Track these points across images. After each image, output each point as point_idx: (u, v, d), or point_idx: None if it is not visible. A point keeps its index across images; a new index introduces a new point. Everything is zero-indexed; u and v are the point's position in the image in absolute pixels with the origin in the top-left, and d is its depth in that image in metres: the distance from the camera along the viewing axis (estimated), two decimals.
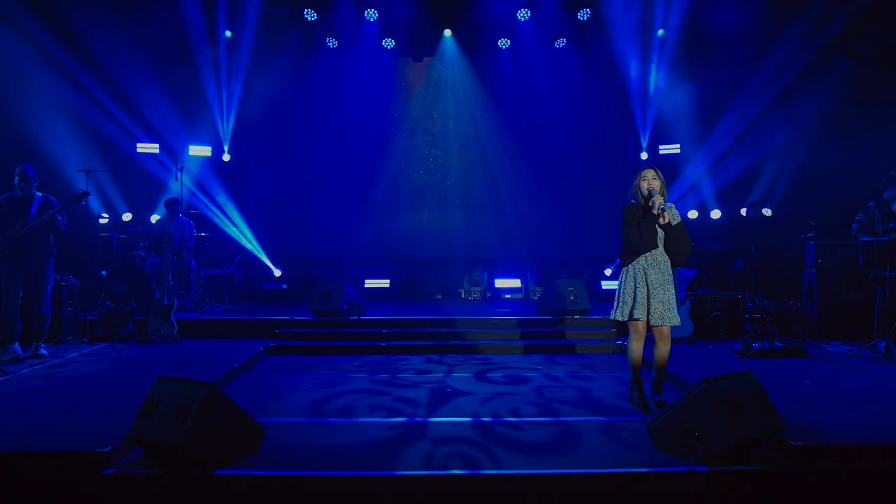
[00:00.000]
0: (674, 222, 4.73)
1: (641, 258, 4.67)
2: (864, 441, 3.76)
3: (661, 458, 3.70)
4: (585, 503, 3.43)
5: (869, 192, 7.23)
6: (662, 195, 4.67)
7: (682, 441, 3.64)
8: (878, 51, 9.33)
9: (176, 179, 9.32)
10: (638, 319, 4.65)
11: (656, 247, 4.66)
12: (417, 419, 4.59)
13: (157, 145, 10.40)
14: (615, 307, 4.80)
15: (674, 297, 4.68)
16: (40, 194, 6.50)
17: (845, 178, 9.03)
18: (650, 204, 4.61)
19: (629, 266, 4.72)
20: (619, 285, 4.80)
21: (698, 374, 4.81)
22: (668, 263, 4.71)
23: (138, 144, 10.28)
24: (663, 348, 4.74)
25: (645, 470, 3.50)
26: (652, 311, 4.62)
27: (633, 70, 10.83)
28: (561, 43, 10.91)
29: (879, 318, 6.70)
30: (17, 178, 6.38)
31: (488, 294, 11.24)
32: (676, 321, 4.66)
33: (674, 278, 7.58)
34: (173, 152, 10.41)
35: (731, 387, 3.64)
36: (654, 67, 10.78)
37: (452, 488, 3.46)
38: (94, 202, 9.33)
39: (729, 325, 7.55)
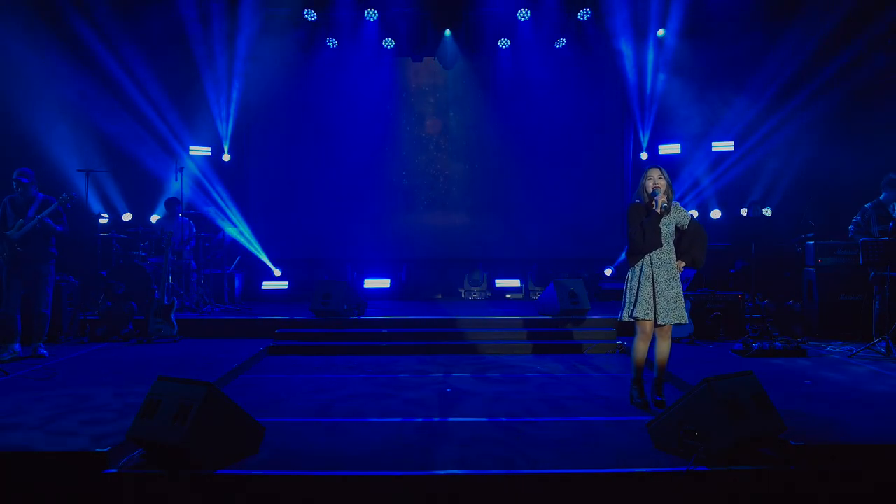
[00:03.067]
0: (685, 222, 4.72)
1: (647, 257, 4.66)
2: (865, 441, 3.76)
3: (661, 458, 3.70)
4: (586, 503, 3.44)
5: (869, 193, 7.24)
6: (668, 194, 4.66)
7: (682, 441, 3.64)
8: (878, 51, 9.32)
9: (176, 180, 9.32)
10: (645, 319, 4.65)
11: (661, 246, 4.65)
12: (417, 419, 4.59)
13: (157, 145, 10.39)
14: (623, 307, 4.81)
15: (681, 294, 4.68)
16: (42, 195, 6.50)
17: (845, 178, 9.04)
18: (653, 203, 4.62)
19: (635, 266, 4.72)
20: (626, 285, 4.81)
21: (698, 374, 4.81)
22: (674, 261, 4.70)
23: (139, 144, 10.27)
24: (664, 346, 4.75)
25: (645, 470, 3.50)
26: (658, 309, 4.62)
27: (633, 70, 10.82)
28: (561, 43, 10.90)
29: (879, 318, 6.70)
30: (14, 181, 6.39)
31: (488, 294, 11.23)
32: (684, 319, 4.65)
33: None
34: (173, 152, 10.41)
35: (731, 387, 3.64)
36: (653, 67, 10.78)
37: (452, 488, 3.46)
38: (94, 202, 9.33)
39: (729, 325, 7.55)
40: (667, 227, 4.68)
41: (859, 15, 9.23)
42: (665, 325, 4.66)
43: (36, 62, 8.99)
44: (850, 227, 7.21)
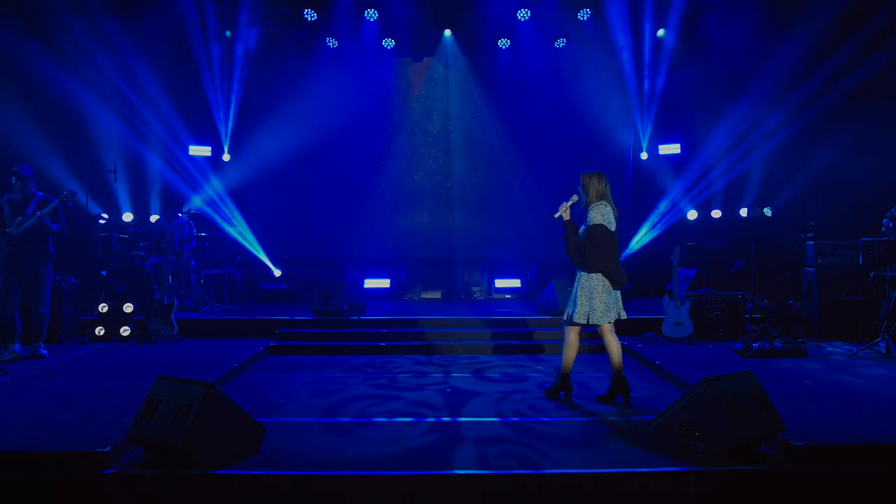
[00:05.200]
0: (588, 224, 4.94)
1: None
2: (864, 441, 3.76)
3: (661, 458, 3.70)
4: (585, 503, 3.43)
5: (869, 192, 7.24)
6: (591, 200, 4.96)
7: (682, 441, 3.64)
8: (878, 49, 9.32)
9: (177, 177, 9.33)
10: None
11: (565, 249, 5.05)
12: (417, 419, 4.60)
13: (157, 145, 10.38)
14: None
15: (581, 294, 4.94)
16: (40, 194, 6.50)
17: (846, 178, 9.03)
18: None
19: None
20: None
21: (698, 374, 4.82)
22: (578, 266, 5.01)
23: (139, 144, 10.26)
24: (607, 344, 5.07)
25: (645, 470, 3.50)
26: (566, 304, 5.14)
27: (633, 70, 10.82)
28: (561, 43, 10.89)
29: (879, 318, 6.69)
30: (13, 178, 6.38)
31: (488, 294, 11.23)
32: (576, 318, 4.96)
33: (673, 278, 7.62)
34: (173, 152, 10.40)
35: (730, 387, 3.64)
36: (653, 67, 10.77)
37: (452, 488, 3.46)
38: (93, 202, 9.32)
39: (729, 325, 7.54)
40: (584, 229, 4.96)
41: (859, 13, 9.22)
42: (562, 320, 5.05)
43: (33, 62, 8.97)
44: (885, 220, 7.13)
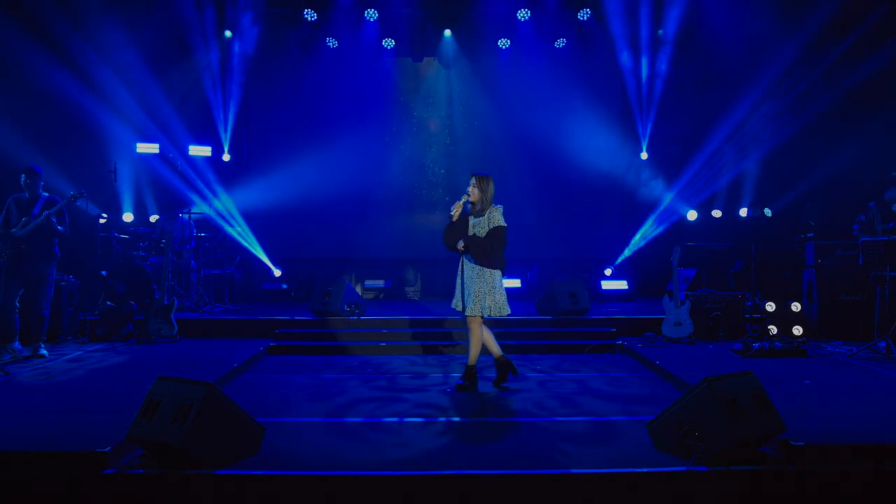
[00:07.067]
0: (492, 226, 5.21)
1: (463, 255, 5.32)
2: (864, 441, 3.76)
3: (661, 458, 3.70)
4: (585, 503, 3.44)
5: (870, 192, 7.25)
6: (480, 200, 5.23)
7: (682, 441, 3.64)
8: (878, 50, 9.32)
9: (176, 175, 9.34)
10: (455, 308, 5.38)
11: (454, 246, 5.24)
12: (417, 419, 4.60)
13: (157, 145, 10.38)
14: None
15: (486, 290, 5.18)
16: (46, 194, 6.52)
17: (845, 178, 9.03)
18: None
19: (460, 261, 5.40)
20: None
21: (698, 374, 4.82)
22: (480, 264, 5.23)
23: (138, 144, 10.25)
24: (470, 334, 5.31)
25: (645, 470, 3.50)
26: (464, 301, 5.25)
27: (633, 69, 10.82)
28: (561, 43, 10.89)
29: (879, 318, 6.70)
30: (23, 175, 6.39)
31: None
32: (476, 311, 5.17)
33: (673, 278, 7.62)
34: (173, 152, 10.40)
35: (730, 387, 3.64)
36: (653, 67, 10.77)
37: (452, 488, 3.46)
38: (93, 202, 9.31)
39: (729, 325, 7.54)
40: (480, 229, 5.23)
41: (859, 12, 9.22)
42: (470, 315, 5.22)
43: (33, 61, 8.96)
44: (855, 225, 7.21)
